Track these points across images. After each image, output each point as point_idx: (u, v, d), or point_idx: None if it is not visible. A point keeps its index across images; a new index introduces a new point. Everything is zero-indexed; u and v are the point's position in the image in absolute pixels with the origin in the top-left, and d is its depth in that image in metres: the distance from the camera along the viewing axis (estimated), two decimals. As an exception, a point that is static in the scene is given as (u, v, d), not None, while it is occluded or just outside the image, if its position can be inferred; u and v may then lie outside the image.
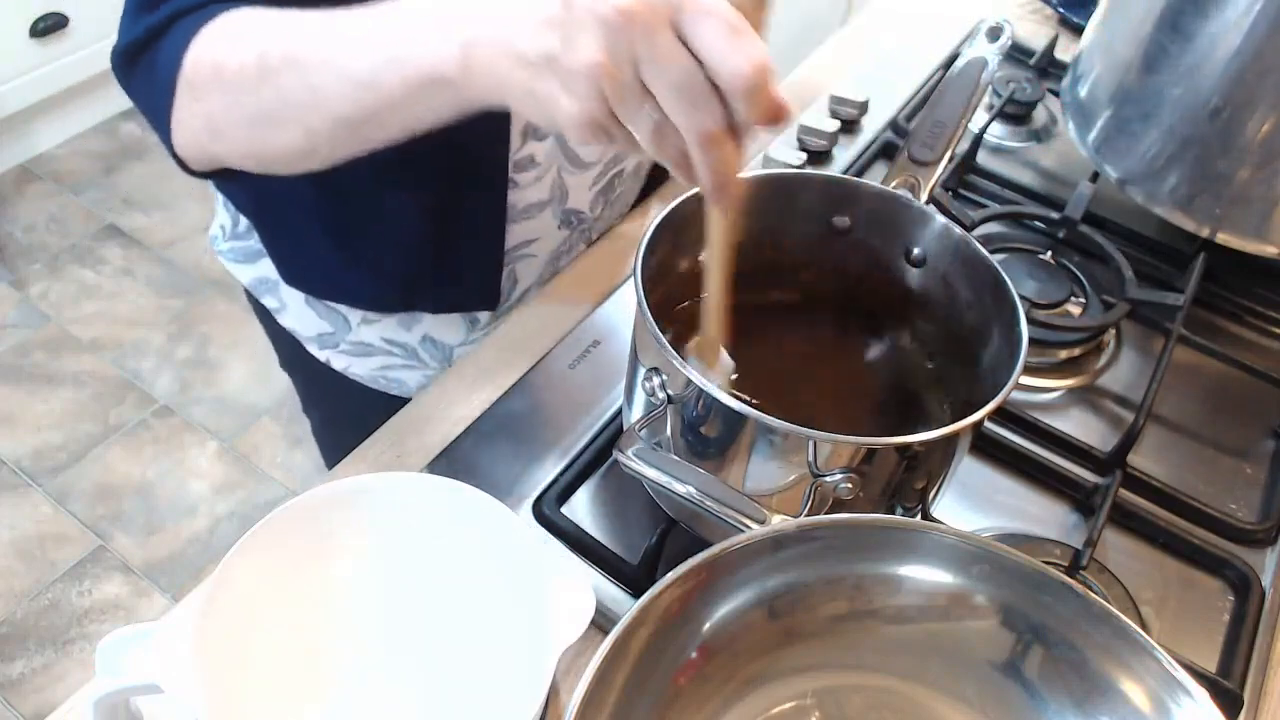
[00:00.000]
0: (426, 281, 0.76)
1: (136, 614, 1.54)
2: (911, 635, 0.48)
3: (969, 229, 0.73)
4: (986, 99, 0.97)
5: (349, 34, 0.51)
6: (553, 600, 0.47)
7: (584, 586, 0.47)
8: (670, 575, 0.42)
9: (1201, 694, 0.41)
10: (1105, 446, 0.67)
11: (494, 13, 0.45)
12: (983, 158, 0.91)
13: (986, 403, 0.48)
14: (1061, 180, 0.91)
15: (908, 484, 0.52)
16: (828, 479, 0.48)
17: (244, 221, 0.81)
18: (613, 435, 0.65)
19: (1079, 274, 0.79)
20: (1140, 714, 0.42)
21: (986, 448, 0.68)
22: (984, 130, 0.89)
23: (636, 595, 0.54)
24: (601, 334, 0.72)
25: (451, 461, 0.64)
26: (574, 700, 0.38)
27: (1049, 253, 0.81)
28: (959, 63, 0.66)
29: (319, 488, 0.51)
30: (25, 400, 1.80)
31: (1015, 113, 0.96)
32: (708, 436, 0.51)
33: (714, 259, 0.50)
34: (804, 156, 0.86)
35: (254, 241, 0.81)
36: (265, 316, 0.86)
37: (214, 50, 0.55)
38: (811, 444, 0.47)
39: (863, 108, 0.93)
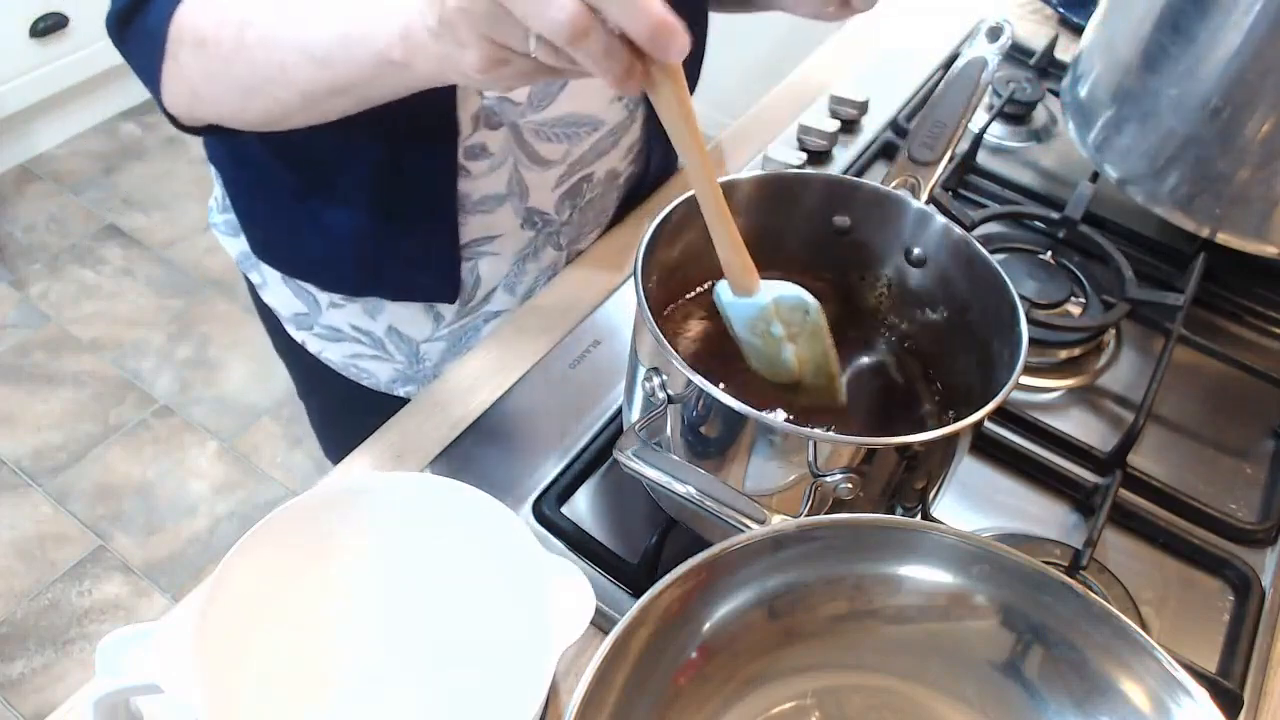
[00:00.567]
0: (382, 261, 0.76)
1: (136, 614, 1.54)
2: (911, 635, 0.48)
3: (969, 229, 0.73)
4: (986, 99, 0.97)
5: (311, 13, 0.53)
6: (553, 600, 0.47)
7: (584, 587, 0.47)
8: (670, 575, 0.42)
9: (1201, 694, 0.41)
10: (1105, 446, 0.67)
11: None
12: (983, 158, 0.91)
13: (986, 403, 0.48)
14: (1061, 180, 0.91)
15: (908, 484, 0.52)
16: (828, 479, 0.48)
17: None
18: (613, 435, 0.65)
19: (1079, 274, 0.79)
20: (1140, 714, 0.42)
21: (986, 448, 0.68)
22: (984, 130, 0.89)
23: (636, 595, 0.54)
24: (601, 334, 0.72)
25: (451, 461, 0.64)
26: (574, 700, 0.38)
27: (1049, 253, 0.81)
28: (959, 63, 0.66)
29: (319, 488, 0.51)
30: (25, 400, 1.80)
31: (1015, 113, 0.96)
32: (708, 436, 0.51)
33: (697, 182, 0.47)
34: (804, 156, 0.86)
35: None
36: (255, 296, 0.87)
37: (196, 18, 0.57)
38: (811, 444, 0.47)
39: (863, 108, 0.93)
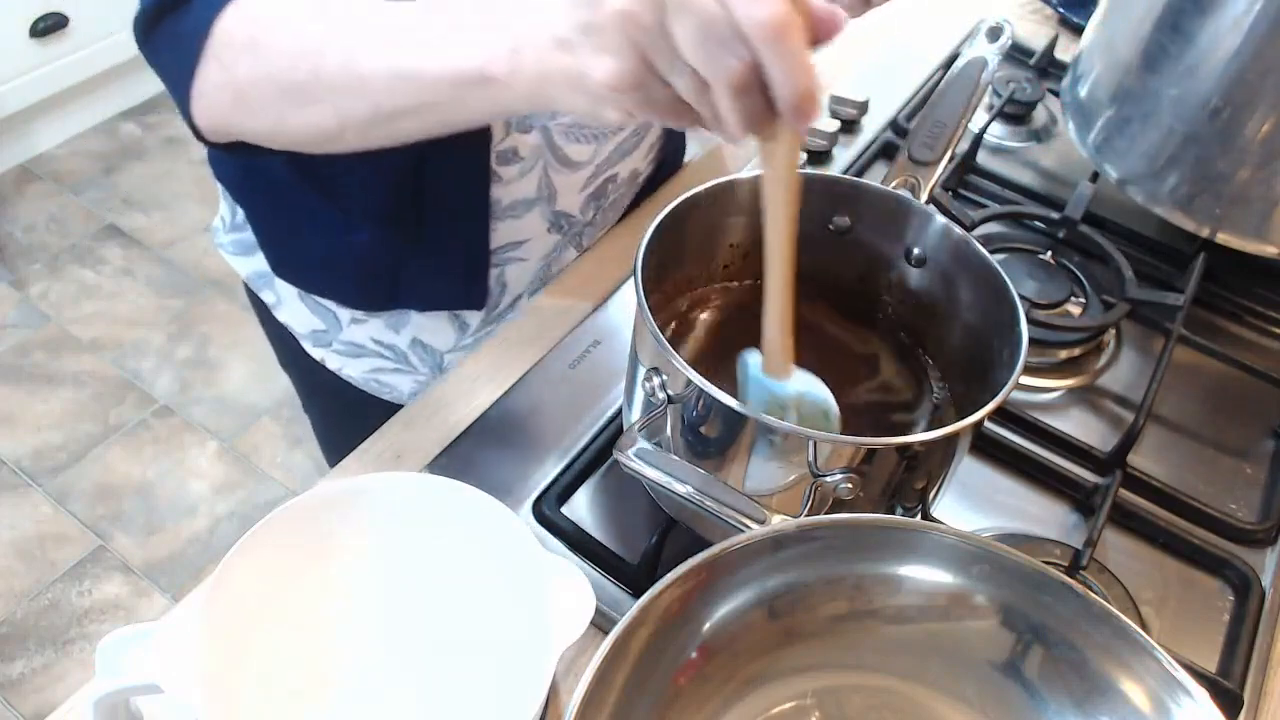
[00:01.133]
0: (411, 273, 0.75)
1: (136, 614, 1.54)
2: (911, 635, 0.48)
3: (969, 229, 0.73)
4: (986, 99, 0.97)
5: (395, 22, 0.50)
6: (553, 600, 0.47)
7: (584, 587, 0.47)
8: (670, 575, 0.42)
9: (1201, 694, 0.41)
10: (1105, 446, 0.67)
11: (536, 9, 0.45)
12: (983, 158, 0.91)
13: (986, 403, 0.48)
14: (1061, 180, 0.91)
15: (908, 484, 0.52)
16: (828, 479, 0.48)
17: (240, 212, 0.81)
18: (613, 435, 0.65)
19: (1079, 274, 0.79)
20: (1140, 714, 0.42)
21: (986, 448, 0.68)
22: (984, 130, 0.89)
23: (636, 595, 0.54)
24: (601, 334, 0.72)
25: (451, 461, 0.64)
26: (574, 700, 0.38)
27: (1049, 253, 0.81)
28: (959, 63, 0.66)
29: (319, 488, 0.51)
30: (25, 400, 1.80)
31: (1015, 113, 0.96)
32: (708, 436, 0.51)
33: (772, 244, 0.46)
34: (804, 156, 0.86)
35: (250, 233, 0.81)
36: (264, 313, 0.86)
37: (251, 19, 0.54)
38: (811, 444, 0.47)
39: (863, 108, 0.92)
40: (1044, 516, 0.65)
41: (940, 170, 0.61)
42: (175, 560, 1.61)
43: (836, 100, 0.93)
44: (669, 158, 0.85)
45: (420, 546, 0.52)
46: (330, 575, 0.51)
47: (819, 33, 0.39)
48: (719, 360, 0.60)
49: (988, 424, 0.64)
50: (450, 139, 0.63)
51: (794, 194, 0.45)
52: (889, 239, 0.60)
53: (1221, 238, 0.76)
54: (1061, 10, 1.12)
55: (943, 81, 0.66)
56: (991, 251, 0.56)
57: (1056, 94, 0.95)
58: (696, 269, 0.62)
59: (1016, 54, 1.03)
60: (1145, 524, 0.65)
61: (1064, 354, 0.75)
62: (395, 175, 0.69)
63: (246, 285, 0.85)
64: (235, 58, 0.54)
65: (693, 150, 0.94)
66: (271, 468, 1.75)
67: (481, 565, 0.51)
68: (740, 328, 0.62)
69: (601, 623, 0.52)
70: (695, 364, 0.48)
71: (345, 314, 0.79)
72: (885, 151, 0.91)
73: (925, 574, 0.47)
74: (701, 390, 0.48)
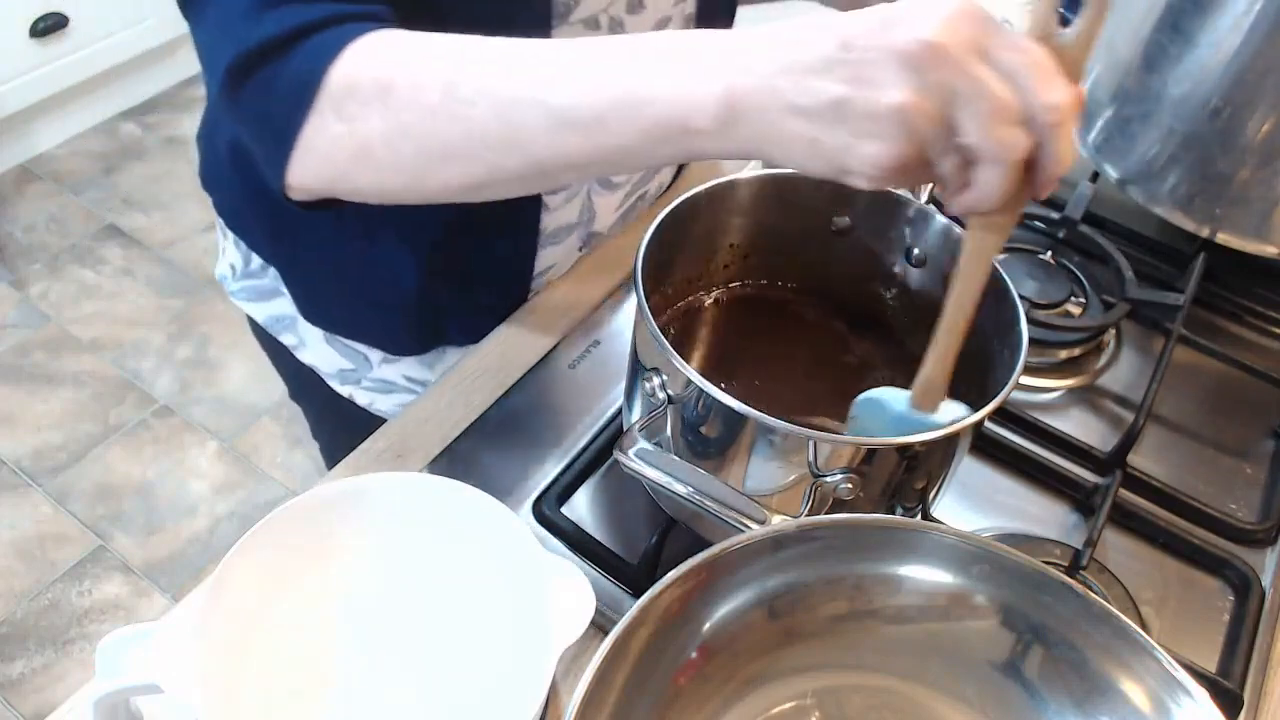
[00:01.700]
0: (457, 312, 0.73)
1: (136, 614, 1.54)
2: (911, 635, 0.48)
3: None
4: (986, 99, 0.97)
5: (564, 69, 0.45)
6: (553, 600, 0.47)
7: (584, 587, 0.47)
8: (670, 575, 0.42)
9: (1201, 694, 0.41)
10: (1105, 446, 0.67)
11: (756, 55, 0.41)
12: (983, 158, 0.91)
13: (986, 403, 0.48)
14: (1061, 180, 0.91)
15: (908, 484, 0.52)
16: (828, 479, 0.48)
17: (256, 259, 0.78)
18: (613, 435, 0.65)
19: (1079, 274, 0.79)
20: (1140, 714, 0.42)
21: (986, 448, 0.68)
22: (984, 130, 0.89)
23: (636, 595, 0.54)
24: (601, 334, 0.72)
25: (451, 461, 0.64)
26: (574, 700, 0.38)
27: (1049, 253, 0.80)
28: (959, 63, 0.66)
29: (319, 488, 0.51)
30: (25, 400, 1.80)
31: (1015, 113, 0.96)
32: (708, 436, 0.51)
33: (962, 296, 0.46)
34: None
35: (268, 279, 0.78)
36: (278, 351, 0.83)
37: (377, 69, 0.48)
38: (811, 444, 0.47)
39: (863, 108, 0.92)
40: (1044, 516, 0.65)
41: (940, 170, 0.61)
42: (175, 560, 1.61)
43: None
44: (679, 168, 0.86)
45: (420, 547, 0.52)
46: (330, 575, 0.51)
47: None
48: (719, 360, 0.60)
49: (988, 424, 0.64)
50: None
51: (989, 266, 0.45)
52: (889, 239, 0.60)
53: (1221, 238, 0.76)
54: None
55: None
56: (991, 251, 0.56)
57: (1056, 94, 0.95)
58: (696, 269, 0.61)
59: (1016, 54, 1.03)
60: (1145, 524, 0.65)
61: (1064, 354, 0.75)
62: (449, 217, 0.65)
63: (261, 328, 0.82)
64: (361, 110, 0.48)
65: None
66: (271, 468, 1.75)
67: (481, 565, 0.51)
68: (740, 328, 0.62)
69: (601, 623, 0.52)
70: (695, 364, 0.48)
71: (377, 354, 0.77)
72: (885, 151, 0.91)
73: (925, 574, 0.47)
74: (701, 390, 0.48)
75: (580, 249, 0.77)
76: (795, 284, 0.64)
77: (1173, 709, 0.42)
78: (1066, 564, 0.60)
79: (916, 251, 0.60)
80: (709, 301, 0.63)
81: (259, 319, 0.82)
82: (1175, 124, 0.73)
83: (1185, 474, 0.68)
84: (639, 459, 0.49)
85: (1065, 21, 0.42)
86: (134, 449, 1.75)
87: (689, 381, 0.48)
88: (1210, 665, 0.58)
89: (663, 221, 0.54)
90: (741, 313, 0.63)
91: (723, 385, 0.47)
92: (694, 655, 0.45)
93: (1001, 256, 0.79)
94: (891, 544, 0.47)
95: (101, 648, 0.45)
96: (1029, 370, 0.74)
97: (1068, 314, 0.76)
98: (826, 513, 0.50)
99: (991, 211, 0.41)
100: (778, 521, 0.46)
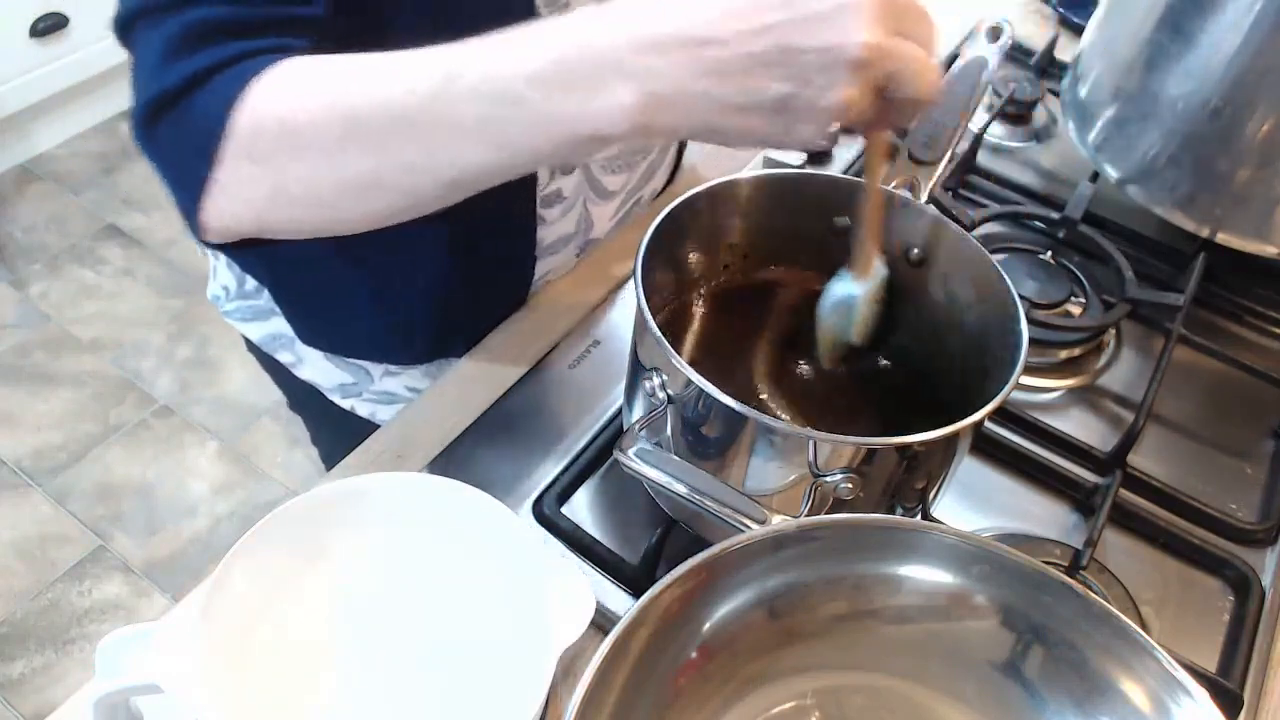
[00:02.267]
0: (456, 325, 0.73)
1: (136, 614, 1.54)
2: (911, 635, 0.48)
3: (969, 229, 0.73)
4: (986, 99, 0.97)
5: (469, 87, 0.44)
6: (553, 600, 0.47)
7: (584, 586, 0.47)
8: (670, 575, 0.42)
9: (1201, 694, 0.41)
10: (1105, 446, 0.67)
11: (670, 54, 0.41)
12: (983, 158, 0.91)
13: (986, 403, 0.48)
14: (1061, 180, 0.91)
15: (908, 484, 0.52)
16: (828, 479, 0.48)
17: (250, 281, 0.77)
18: (613, 435, 0.65)
19: (1079, 274, 0.79)
20: (1140, 714, 0.42)
21: (986, 448, 0.68)
22: (984, 130, 0.89)
23: (636, 595, 0.54)
24: (601, 334, 0.72)
25: (451, 461, 0.64)
26: (574, 700, 0.38)
27: (1049, 253, 0.80)
28: (959, 63, 0.66)
29: (319, 488, 0.51)
30: (25, 400, 1.80)
31: (1015, 113, 0.96)
32: (708, 436, 0.51)
33: (870, 184, 0.53)
34: (804, 156, 0.86)
35: (263, 300, 0.77)
36: (275, 368, 0.82)
37: (281, 105, 0.46)
38: (811, 444, 0.47)
39: (863, 108, 0.92)
40: (1044, 516, 0.65)
41: (940, 170, 0.61)
42: (175, 560, 1.61)
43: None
44: (674, 170, 0.86)
45: (420, 546, 0.52)
46: (330, 575, 0.51)
47: None
48: (719, 360, 0.60)
49: (988, 424, 0.64)
50: (496, 195, 0.55)
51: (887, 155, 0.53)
52: (889, 239, 0.60)
53: (1221, 238, 0.76)
54: (1061, 10, 1.12)
55: (943, 81, 0.66)
56: (991, 251, 0.56)
57: (1056, 94, 0.95)
58: (696, 269, 0.61)
59: (1016, 54, 1.03)
60: (1145, 524, 0.65)
61: (1064, 354, 0.75)
62: (446, 235, 0.65)
63: (256, 347, 0.82)
64: (272, 148, 0.47)
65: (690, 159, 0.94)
66: (271, 468, 1.75)
67: (481, 565, 0.51)
68: (740, 327, 0.62)
69: (601, 623, 0.52)
70: (695, 364, 0.48)
71: (378, 368, 0.77)
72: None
73: (925, 574, 0.47)
74: (701, 390, 0.48)
75: (578, 255, 0.78)
76: (795, 284, 0.64)
77: (1173, 709, 0.41)
78: (1066, 564, 0.60)
79: (916, 251, 0.60)
80: (709, 301, 0.63)
81: (254, 338, 0.81)
82: (1175, 124, 0.73)
83: (1185, 474, 0.68)
84: (639, 459, 0.49)
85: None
86: (134, 449, 1.75)
87: (689, 381, 0.48)
88: (1210, 665, 0.58)
89: (663, 222, 0.54)
90: (741, 313, 0.63)
91: (722, 385, 0.47)
92: (694, 655, 0.45)
93: (1001, 257, 0.79)
94: (891, 544, 0.47)
95: (101, 648, 0.45)
96: (1029, 370, 0.74)
97: (1068, 314, 0.76)
98: (826, 513, 0.50)
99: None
100: (778, 521, 0.46)
